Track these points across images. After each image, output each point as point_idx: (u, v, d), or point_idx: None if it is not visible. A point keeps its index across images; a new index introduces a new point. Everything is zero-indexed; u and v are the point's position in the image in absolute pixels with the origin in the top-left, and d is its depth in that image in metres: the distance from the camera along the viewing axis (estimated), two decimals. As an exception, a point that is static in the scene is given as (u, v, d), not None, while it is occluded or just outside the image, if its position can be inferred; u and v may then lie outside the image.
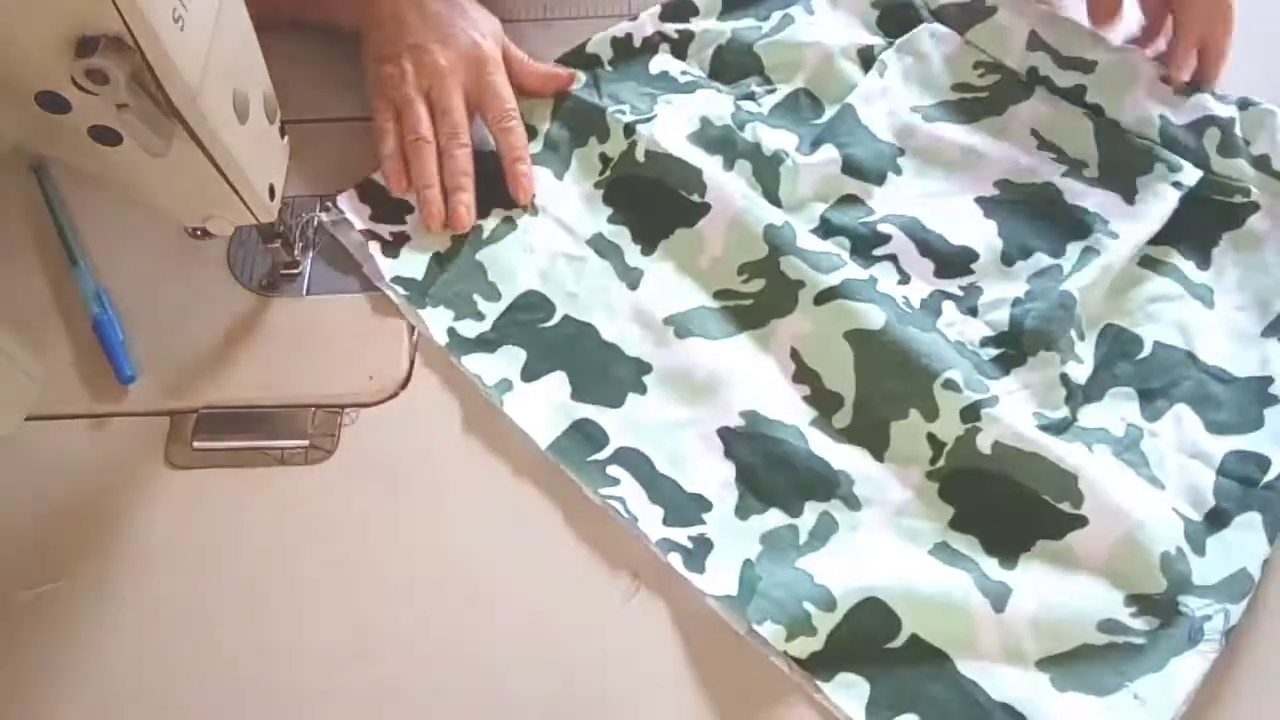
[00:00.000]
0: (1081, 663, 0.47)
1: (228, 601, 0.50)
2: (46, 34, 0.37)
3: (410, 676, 0.48)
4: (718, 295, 0.57)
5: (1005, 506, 0.50)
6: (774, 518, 0.51)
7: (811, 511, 0.51)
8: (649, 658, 0.48)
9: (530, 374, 0.55)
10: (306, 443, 0.54)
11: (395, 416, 0.55)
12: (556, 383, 0.55)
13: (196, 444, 0.54)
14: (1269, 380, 0.54)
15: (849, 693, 0.46)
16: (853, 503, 0.51)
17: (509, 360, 0.56)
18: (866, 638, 0.47)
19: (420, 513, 0.52)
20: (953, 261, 0.58)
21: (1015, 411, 0.51)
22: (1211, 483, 0.51)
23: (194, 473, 0.53)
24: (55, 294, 0.58)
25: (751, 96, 0.65)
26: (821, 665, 0.47)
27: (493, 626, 0.49)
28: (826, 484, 0.52)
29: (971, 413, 0.51)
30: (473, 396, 0.55)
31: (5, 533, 0.51)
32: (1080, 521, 0.49)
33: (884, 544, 0.50)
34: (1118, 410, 0.54)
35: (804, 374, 0.55)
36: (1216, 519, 0.50)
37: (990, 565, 0.49)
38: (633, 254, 0.59)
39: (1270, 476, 0.50)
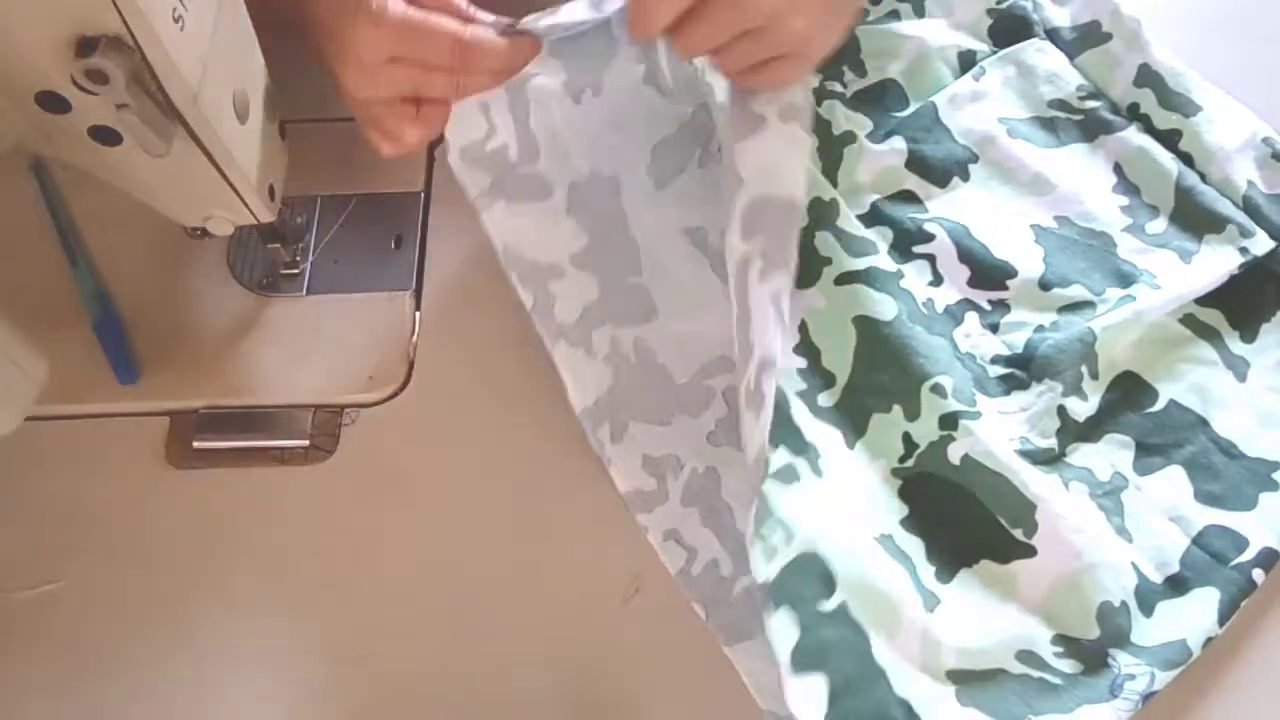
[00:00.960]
0: (991, 685, 0.47)
1: (227, 601, 0.50)
2: (46, 34, 0.37)
3: (410, 676, 0.48)
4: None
5: (959, 519, 0.50)
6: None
7: (780, 457, 0.51)
8: (649, 658, 0.48)
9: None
10: (306, 443, 0.54)
11: (395, 416, 0.55)
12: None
13: (196, 444, 0.54)
14: (1276, 466, 0.51)
15: (783, 634, 0.46)
16: (816, 470, 0.51)
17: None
18: (805, 590, 0.47)
19: (420, 513, 0.52)
20: (989, 274, 0.57)
21: (996, 431, 0.51)
22: (1182, 549, 0.49)
23: (194, 473, 0.53)
24: (55, 294, 0.58)
25: (839, 77, 0.64)
26: (769, 596, 0.46)
27: (492, 626, 0.49)
28: (797, 442, 0.52)
29: (950, 421, 0.51)
30: (473, 396, 0.55)
31: (5, 533, 0.51)
32: (1029, 551, 0.49)
33: (844, 488, 0.51)
34: (1110, 456, 0.52)
35: (805, 347, 0.55)
36: (1175, 585, 0.49)
37: (927, 573, 0.49)
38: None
39: (1243, 559, 0.49)
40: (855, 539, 0.49)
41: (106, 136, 0.41)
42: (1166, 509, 0.51)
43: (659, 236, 0.57)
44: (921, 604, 0.48)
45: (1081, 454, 0.52)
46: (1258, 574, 0.48)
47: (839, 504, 0.50)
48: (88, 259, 0.59)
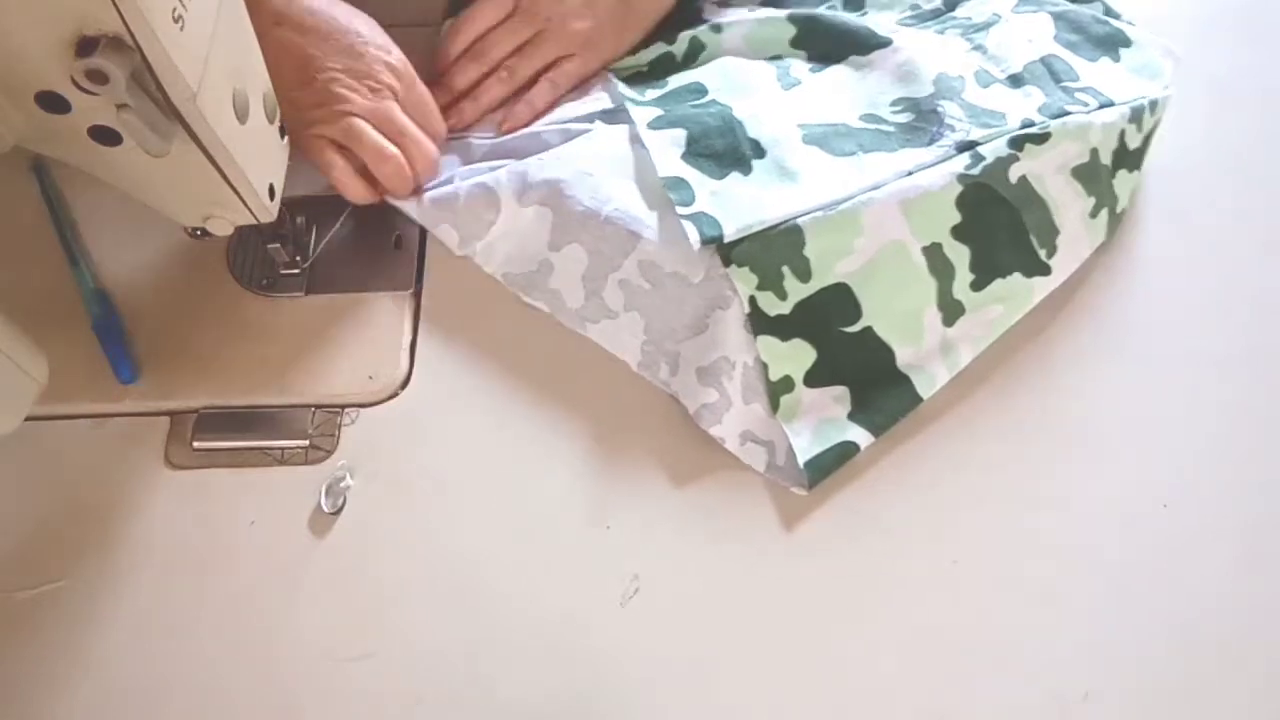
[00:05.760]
0: (833, 134, 0.57)
1: (227, 601, 0.50)
2: (46, 34, 0.37)
3: (410, 676, 0.48)
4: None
5: (835, 35, 0.61)
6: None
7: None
8: (649, 658, 0.48)
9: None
10: (306, 443, 0.54)
11: (395, 416, 0.55)
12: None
13: (196, 444, 0.54)
14: (1128, 41, 0.62)
15: (796, 360, 0.53)
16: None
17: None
18: (828, 316, 0.54)
19: (420, 513, 0.52)
20: None
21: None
22: (1028, 60, 0.59)
23: (194, 473, 0.53)
24: (55, 294, 0.58)
25: None
26: (780, 329, 0.53)
27: (492, 626, 0.49)
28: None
29: None
30: (473, 396, 0.55)
31: (5, 533, 0.51)
32: (887, 42, 0.60)
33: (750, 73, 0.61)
34: (992, 5, 0.63)
35: None
36: (1012, 80, 0.59)
37: (801, 69, 0.61)
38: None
39: (1073, 84, 0.58)
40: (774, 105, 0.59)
41: (106, 136, 0.41)
42: (1026, 35, 0.61)
43: (587, 160, 0.57)
44: (780, 86, 0.59)
45: (967, 7, 0.64)
46: (1079, 105, 0.57)
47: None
48: (88, 259, 0.59)
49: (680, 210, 0.53)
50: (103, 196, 0.60)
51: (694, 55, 0.63)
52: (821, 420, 0.53)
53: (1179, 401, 0.55)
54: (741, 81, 0.60)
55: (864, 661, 0.48)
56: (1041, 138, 0.55)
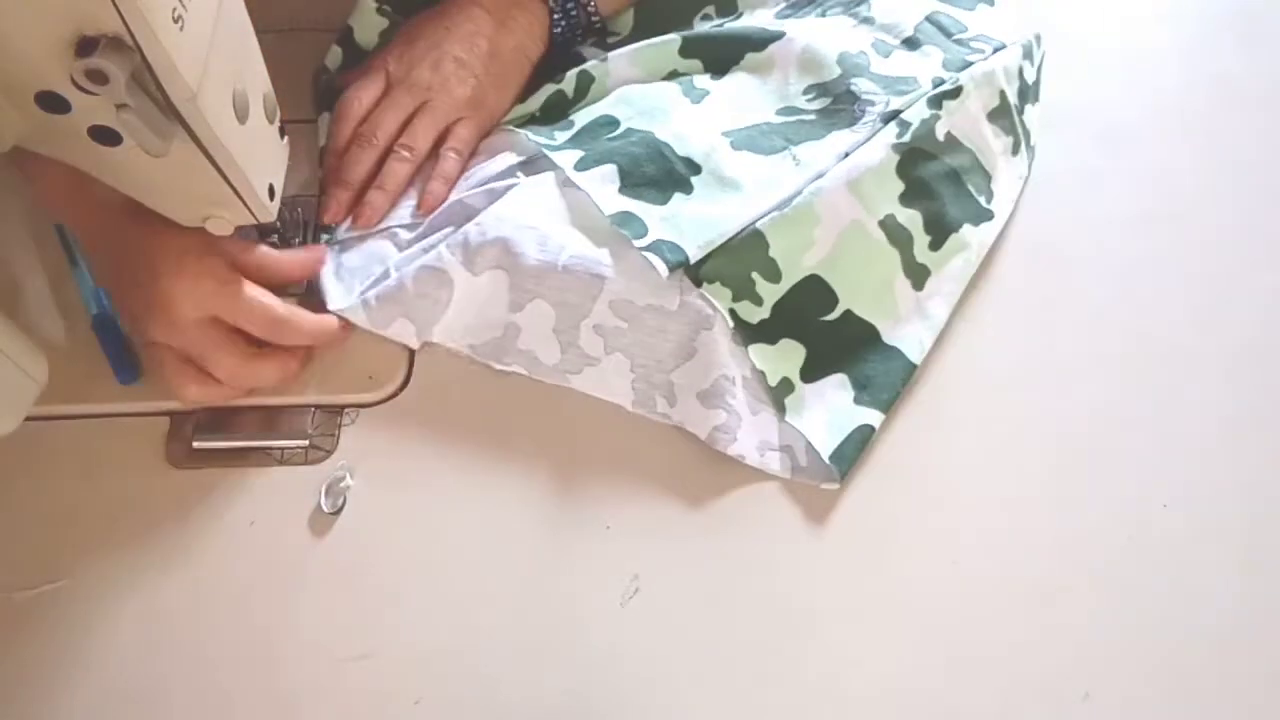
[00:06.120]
0: (757, 134, 0.57)
1: (227, 602, 0.50)
2: (46, 34, 0.37)
3: (410, 676, 0.48)
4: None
5: (722, 39, 0.61)
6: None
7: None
8: (649, 658, 0.48)
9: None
10: (306, 443, 0.54)
11: (395, 416, 0.55)
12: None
13: (196, 444, 0.54)
14: None
15: (789, 360, 0.54)
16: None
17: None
18: (807, 310, 0.55)
19: (420, 512, 0.52)
20: None
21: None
22: (917, 21, 0.61)
23: (194, 473, 0.53)
24: (55, 294, 0.58)
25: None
26: (766, 334, 0.54)
27: (492, 626, 0.49)
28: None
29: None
30: (473, 396, 0.55)
31: (5, 533, 0.51)
32: (779, 36, 0.60)
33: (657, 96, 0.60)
34: None
35: None
36: (908, 44, 0.61)
37: (704, 80, 0.61)
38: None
39: (964, 35, 0.61)
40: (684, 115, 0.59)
41: (106, 136, 0.41)
42: (911, 5, 0.62)
43: (523, 213, 0.55)
44: (689, 101, 0.59)
45: None
46: (977, 53, 0.59)
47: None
48: (88, 259, 0.59)
49: (637, 243, 0.53)
50: (103, 196, 0.60)
51: (585, 89, 0.62)
52: (831, 411, 0.53)
53: (1179, 401, 0.55)
54: (650, 105, 0.59)
55: (863, 661, 0.48)
56: (955, 92, 0.58)
